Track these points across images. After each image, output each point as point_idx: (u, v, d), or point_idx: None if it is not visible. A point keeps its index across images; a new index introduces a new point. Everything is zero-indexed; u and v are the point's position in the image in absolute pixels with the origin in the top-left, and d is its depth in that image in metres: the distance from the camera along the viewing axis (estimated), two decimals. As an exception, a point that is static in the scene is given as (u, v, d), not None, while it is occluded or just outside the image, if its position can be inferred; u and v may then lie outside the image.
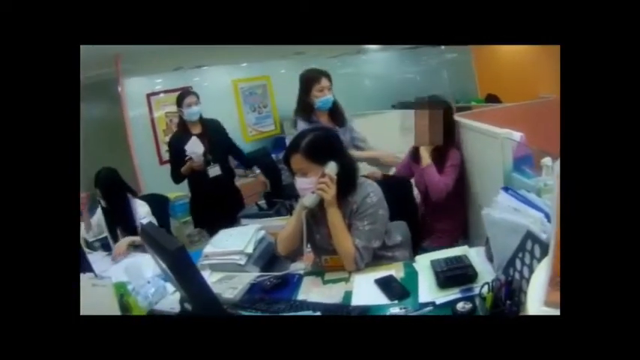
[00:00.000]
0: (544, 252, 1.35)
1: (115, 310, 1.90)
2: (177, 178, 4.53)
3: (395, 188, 3.01)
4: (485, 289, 1.68)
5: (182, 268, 1.79)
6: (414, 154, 3.41)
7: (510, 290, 1.56)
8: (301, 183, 2.41)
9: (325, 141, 2.48)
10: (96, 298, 1.93)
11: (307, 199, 2.39)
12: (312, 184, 2.37)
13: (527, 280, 1.45)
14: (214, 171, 4.40)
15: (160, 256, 1.94)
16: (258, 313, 2.03)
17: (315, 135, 2.46)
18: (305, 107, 3.70)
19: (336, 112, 3.78)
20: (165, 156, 6.36)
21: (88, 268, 2.49)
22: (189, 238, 6.15)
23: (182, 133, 4.40)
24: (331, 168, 2.38)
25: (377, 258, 2.55)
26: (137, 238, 3.72)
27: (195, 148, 4.21)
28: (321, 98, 3.65)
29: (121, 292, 2.30)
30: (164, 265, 1.93)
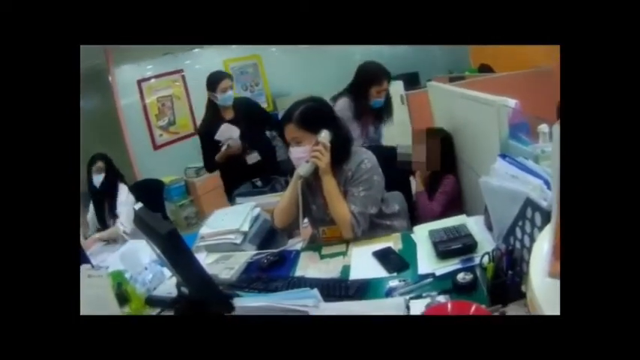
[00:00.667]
0: (545, 220, 1.32)
1: (112, 301, 1.87)
2: (211, 166, 4.37)
3: (390, 159, 3.04)
4: (485, 259, 1.65)
5: (175, 251, 1.76)
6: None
7: (512, 260, 1.52)
8: (295, 152, 2.42)
9: (318, 110, 2.50)
10: (93, 289, 1.90)
11: (302, 168, 2.41)
12: (306, 153, 2.39)
13: (529, 250, 1.43)
14: (253, 157, 4.21)
15: (153, 241, 1.92)
16: (256, 293, 2.01)
17: (308, 104, 2.47)
18: (360, 106, 3.66)
19: (386, 109, 3.83)
20: (160, 141, 6.47)
21: (84, 260, 2.46)
22: (186, 221, 6.22)
23: (213, 118, 4.16)
24: (324, 136, 2.39)
25: (374, 226, 2.55)
26: (105, 233, 3.87)
27: (228, 133, 4.01)
28: (378, 99, 3.67)
29: (119, 280, 2.30)
30: (158, 250, 1.91)
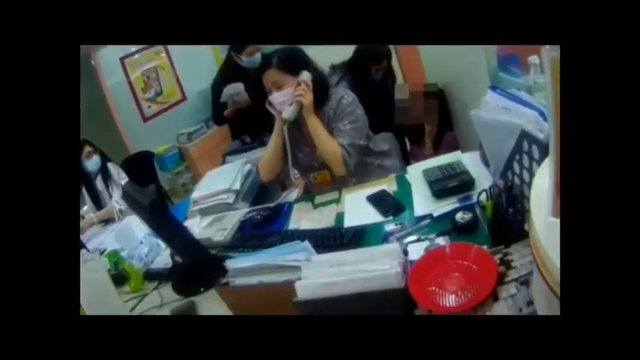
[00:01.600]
0: (543, 153, 1.24)
1: (108, 284, 1.82)
2: (220, 119, 4.57)
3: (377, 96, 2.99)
4: (483, 197, 1.58)
5: (159, 221, 1.76)
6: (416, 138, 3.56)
7: (511, 197, 1.45)
8: (277, 97, 2.40)
9: (295, 53, 2.48)
10: (89, 274, 1.85)
11: (286, 112, 2.38)
12: (289, 96, 2.38)
13: (529, 185, 1.36)
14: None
15: (139, 214, 1.90)
16: (250, 252, 1.95)
17: (285, 49, 2.47)
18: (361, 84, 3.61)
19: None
20: (148, 112, 6.42)
21: (80, 245, 2.42)
22: (183, 188, 6.20)
23: (229, 75, 4.30)
24: (306, 75, 2.39)
25: (364, 166, 2.54)
26: (101, 213, 3.87)
27: (232, 90, 4.14)
28: (377, 75, 3.71)
29: (115, 260, 2.29)
30: (145, 223, 1.87)
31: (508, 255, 1.26)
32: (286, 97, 2.37)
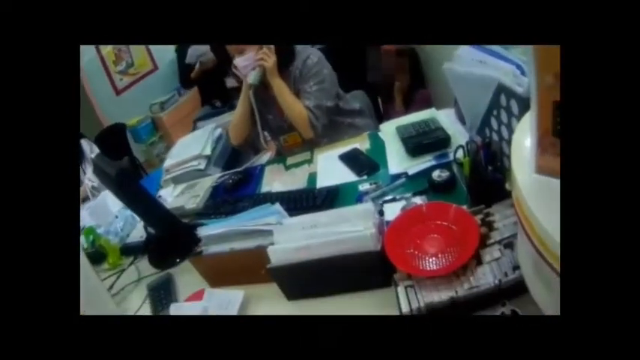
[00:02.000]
0: (523, 107, 1.19)
1: (85, 264, 1.73)
2: (186, 82, 4.66)
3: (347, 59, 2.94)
4: (460, 153, 1.54)
5: (128, 191, 1.72)
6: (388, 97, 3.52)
7: (490, 154, 1.40)
8: (241, 62, 2.34)
9: None
10: None
11: (250, 77, 2.35)
12: (251, 60, 2.32)
13: (508, 142, 1.31)
14: (230, 82, 4.26)
15: (108, 187, 1.87)
16: (222, 218, 1.90)
17: None
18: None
19: None
20: (121, 85, 6.32)
21: None
22: (158, 158, 6.12)
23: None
24: None
25: (334, 125, 2.51)
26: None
27: (196, 52, 4.17)
28: None
29: (91, 237, 2.24)
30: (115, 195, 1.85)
31: (490, 215, 1.22)
32: (248, 62, 2.32)
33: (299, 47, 2.47)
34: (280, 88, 2.34)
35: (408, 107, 3.27)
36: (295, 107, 2.33)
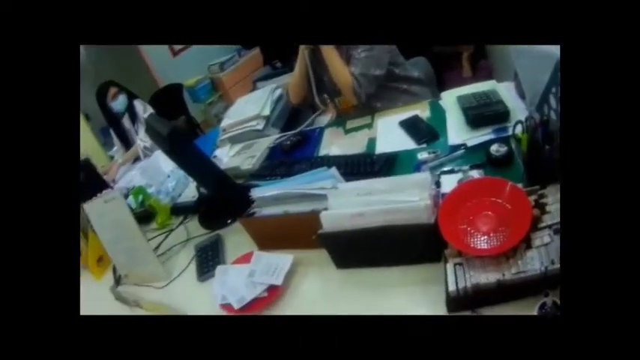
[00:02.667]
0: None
1: (131, 223, 1.83)
2: None
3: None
4: (519, 129, 1.51)
5: (180, 150, 1.72)
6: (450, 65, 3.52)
7: (547, 132, 1.37)
8: None
9: None
10: (111, 215, 1.87)
11: None
12: None
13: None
14: None
15: (161, 147, 1.86)
16: (278, 179, 1.91)
17: None
18: None
19: None
20: (177, 47, 6.48)
21: (105, 187, 2.40)
22: (216, 118, 6.18)
23: None
24: None
25: (389, 90, 2.49)
26: (127, 154, 3.92)
27: None
28: None
29: (140, 196, 2.29)
30: (166, 154, 1.85)
31: (543, 197, 1.20)
32: None
33: None
34: (329, 52, 2.35)
35: (474, 75, 3.24)
36: (341, 73, 2.33)
